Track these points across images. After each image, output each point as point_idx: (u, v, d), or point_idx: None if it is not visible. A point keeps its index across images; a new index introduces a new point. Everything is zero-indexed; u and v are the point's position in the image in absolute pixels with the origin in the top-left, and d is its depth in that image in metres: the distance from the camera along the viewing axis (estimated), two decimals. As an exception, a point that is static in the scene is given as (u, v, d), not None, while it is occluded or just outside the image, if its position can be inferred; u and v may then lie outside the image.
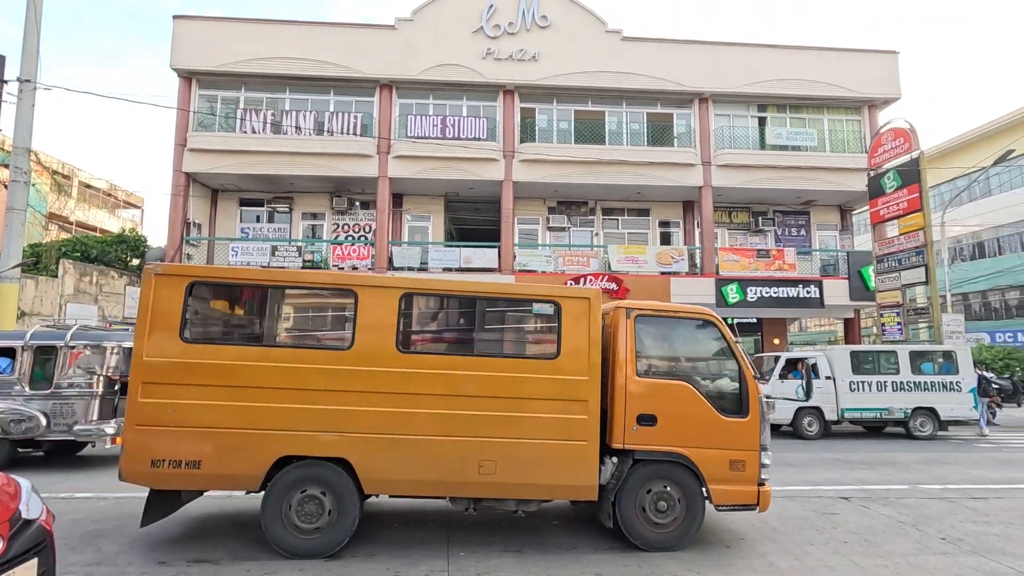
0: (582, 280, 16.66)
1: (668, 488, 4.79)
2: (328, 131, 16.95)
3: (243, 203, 18.76)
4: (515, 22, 17.52)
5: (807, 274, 18.02)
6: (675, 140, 18.28)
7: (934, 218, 16.26)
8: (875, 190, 15.42)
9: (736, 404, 4.98)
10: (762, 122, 18.81)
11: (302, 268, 16.52)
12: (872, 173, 15.71)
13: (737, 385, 5.05)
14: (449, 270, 17.06)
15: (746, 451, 4.87)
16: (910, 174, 14.27)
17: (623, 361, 4.86)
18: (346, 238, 18.53)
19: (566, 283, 16.59)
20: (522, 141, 17.70)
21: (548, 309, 5.02)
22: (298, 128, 16.88)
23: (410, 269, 16.94)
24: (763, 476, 4.88)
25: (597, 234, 19.52)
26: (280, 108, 17.51)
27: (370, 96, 17.76)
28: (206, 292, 4.82)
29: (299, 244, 17.21)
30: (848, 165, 17.71)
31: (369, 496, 4.66)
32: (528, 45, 17.51)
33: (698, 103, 18.33)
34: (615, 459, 4.79)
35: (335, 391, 4.45)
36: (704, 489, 4.79)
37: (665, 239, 19.73)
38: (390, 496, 4.74)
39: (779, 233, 19.90)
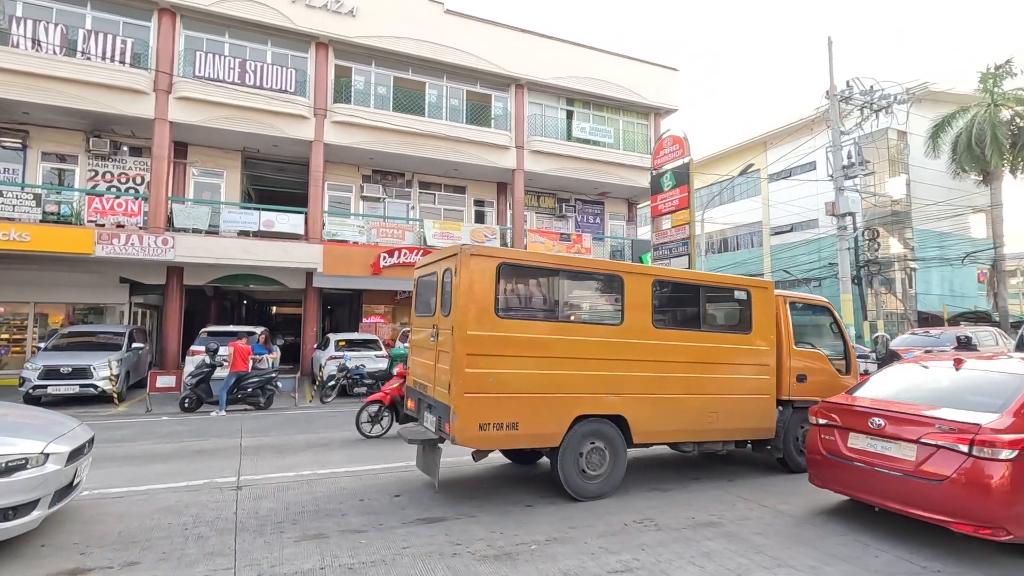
0: (396, 253, 16.31)
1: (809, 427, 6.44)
2: (84, 53, 13.67)
3: (-54, 130, 14.26)
4: (332, -32, 16.07)
5: (600, 258, 20.18)
6: (492, 121, 18.76)
7: (696, 216, 19.43)
8: (655, 187, 17.80)
9: (845, 366, 7.07)
10: (570, 115, 20.33)
11: (42, 221, 13.24)
12: (654, 172, 18.08)
13: (843, 351, 7.13)
14: (246, 234, 15.25)
15: None
16: (682, 176, 16.78)
17: (786, 335, 6.56)
18: (108, 189, 15.32)
19: (379, 256, 16.10)
20: (336, 101, 16.48)
21: (744, 295, 6.35)
22: (37, 43, 13.30)
23: (196, 231, 14.71)
24: None
25: (413, 207, 19.24)
26: (7, 12, 13.58)
27: (145, 20, 14.78)
28: (511, 272, 5.21)
29: (37, 191, 13.71)
30: (636, 163, 20.15)
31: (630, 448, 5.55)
32: (346, -3, 16.23)
33: (515, 88, 19.04)
34: (780, 408, 6.42)
35: (613, 359, 5.34)
36: None
37: (480, 217, 20.29)
38: (648, 445, 5.91)
39: (579, 220, 21.89)
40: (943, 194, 25.33)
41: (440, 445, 5.22)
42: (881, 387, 5.04)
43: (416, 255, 16.39)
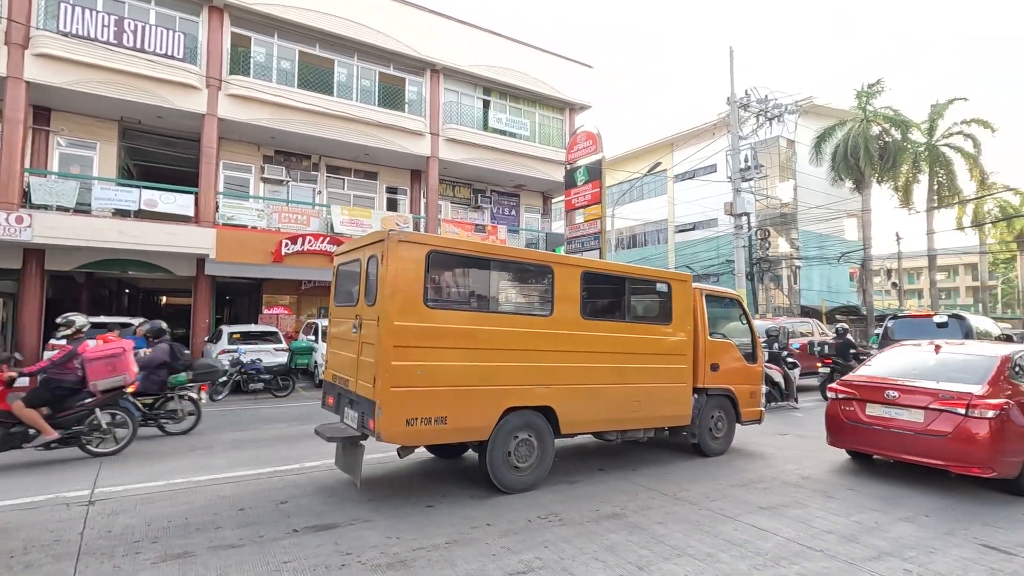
0: (300, 240, 15.30)
1: (721, 413, 6.94)
2: (-91, -8, 11.48)
3: None
4: (228, -74, 14.67)
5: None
6: (406, 106, 18.09)
7: (608, 211, 19.93)
8: (569, 182, 18.01)
9: (751, 355, 7.38)
10: (486, 105, 20.08)
11: None
12: (568, 167, 18.28)
13: (750, 341, 7.41)
14: (124, 214, 13.62)
15: (757, 385, 7.41)
16: (595, 172, 17.08)
17: (702, 326, 6.76)
18: (-54, 156, 13.04)
19: (281, 242, 15.02)
20: (232, 72, 15.11)
21: (665, 287, 6.47)
22: None
23: (61, 209, 12.92)
24: (762, 402, 7.53)
25: (320, 192, 18.17)
26: None
27: (-6, -40, 12.68)
28: (441, 260, 4.97)
29: None
30: (552, 157, 20.30)
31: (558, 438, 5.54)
32: (244, -42, 14.90)
33: (430, 74, 18.48)
34: (696, 395, 6.63)
35: (543, 351, 5.29)
36: (736, 412, 7.04)
37: (392, 205, 19.57)
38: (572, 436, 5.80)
39: (494, 211, 21.76)
40: (823, 199, 27.85)
41: (363, 442, 4.93)
42: (881, 367, 6.41)
43: (322, 243, 15.49)
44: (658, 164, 22.95)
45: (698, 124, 31.00)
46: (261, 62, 15.86)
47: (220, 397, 11.13)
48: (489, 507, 4.73)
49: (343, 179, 18.74)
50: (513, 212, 22.29)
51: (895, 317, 13.48)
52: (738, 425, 7.20)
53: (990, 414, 5.10)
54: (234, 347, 12.16)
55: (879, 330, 17.32)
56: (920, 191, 28.27)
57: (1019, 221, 36.32)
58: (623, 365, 5.91)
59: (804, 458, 6.76)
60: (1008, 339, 12.05)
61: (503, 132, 19.75)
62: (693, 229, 32.03)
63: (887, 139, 26.17)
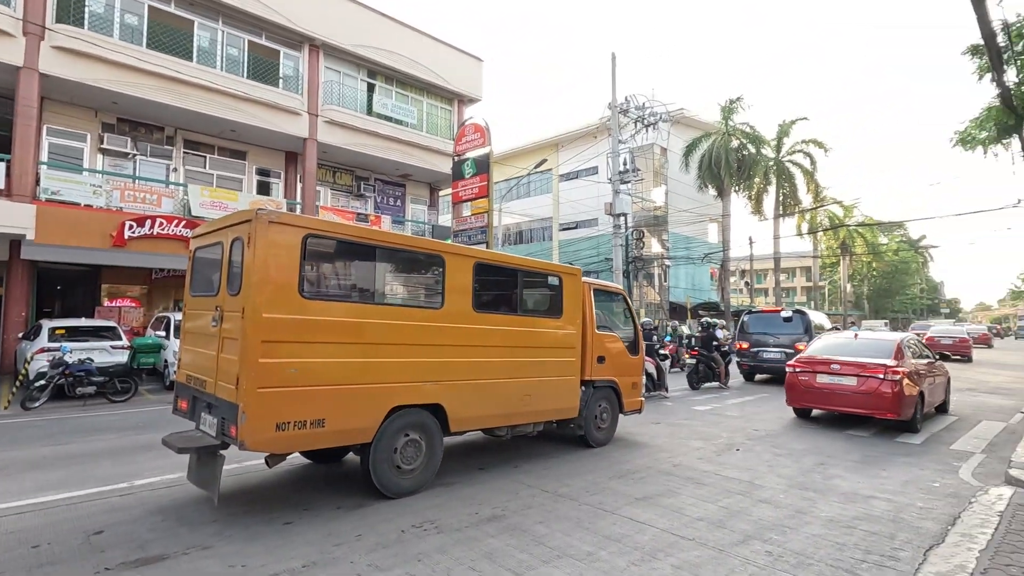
0: (149, 222, 13.38)
1: (606, 404, 7.10)
2: None
3: None
4: None
5: (399, 242, 19.36)
6: (280, 81, 16.59)
7: (495, 206, 19.89)
8: (457, 174, 17.67)
9: (634, 347, 7.63)
10: (371, 88, 19.07)
11: None
12: (456, 159, 17.93)
13: (633, 334, 7.68)
14: (-100, 182, 10.94)
15: (638, 377, 7.72)
16: (483, 164, 16.91)
17: (590, 319, 6.84)
18: None
19: (124, 224, 13.02)
20: (60, 21, 12.78)
21: (556, 281, 6.48)
22: None
23: None
24: (643, 392, 7.99)
25: (176, 169, 16.07)
26: None
27: None
28: (320, 245, 4.52)
29: None
30: (440, 148, 19.81)
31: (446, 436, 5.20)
32: None
33: (308, 48, 17.12)
34: (583, 388, 6.68)
35: (433, 345, 4.99)
36: (620, 403, 7.24)
37: (263, 189, 17.90)
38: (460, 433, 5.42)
39: (378, 200, 20.79)
40: (691, 204, 30.25)
41: (223, 452, 4.25)
42: (821, 347, 9.11)
43: (177, 226, 13.68)
44: (544, 161, 23.39)
45: (582, 126, 32.21)
46: (99, 13, 13.60)
47: (36, 404, 9.32)
48: (357, 519, 4.28)
49: (205, 156, 16.76)
50: (398, 202, 21.48)
51: (750, 312, 14.82)
52: (620, 415, 7.40)
53: (897, 378, 7.58)
54: (56, 345, 10.26)
55: (719, 323, 19.20)
56: (769, 200, 31.79)
57: (843, 230, 42.36)
58: (515, 359, 5.77)
59: (675, 446, 7.08)
60: (836, 330, 13.81)
61: (389, 118, 18.89)
62: (576, 228, 33.25)
63: (744, 152, 29.04)
